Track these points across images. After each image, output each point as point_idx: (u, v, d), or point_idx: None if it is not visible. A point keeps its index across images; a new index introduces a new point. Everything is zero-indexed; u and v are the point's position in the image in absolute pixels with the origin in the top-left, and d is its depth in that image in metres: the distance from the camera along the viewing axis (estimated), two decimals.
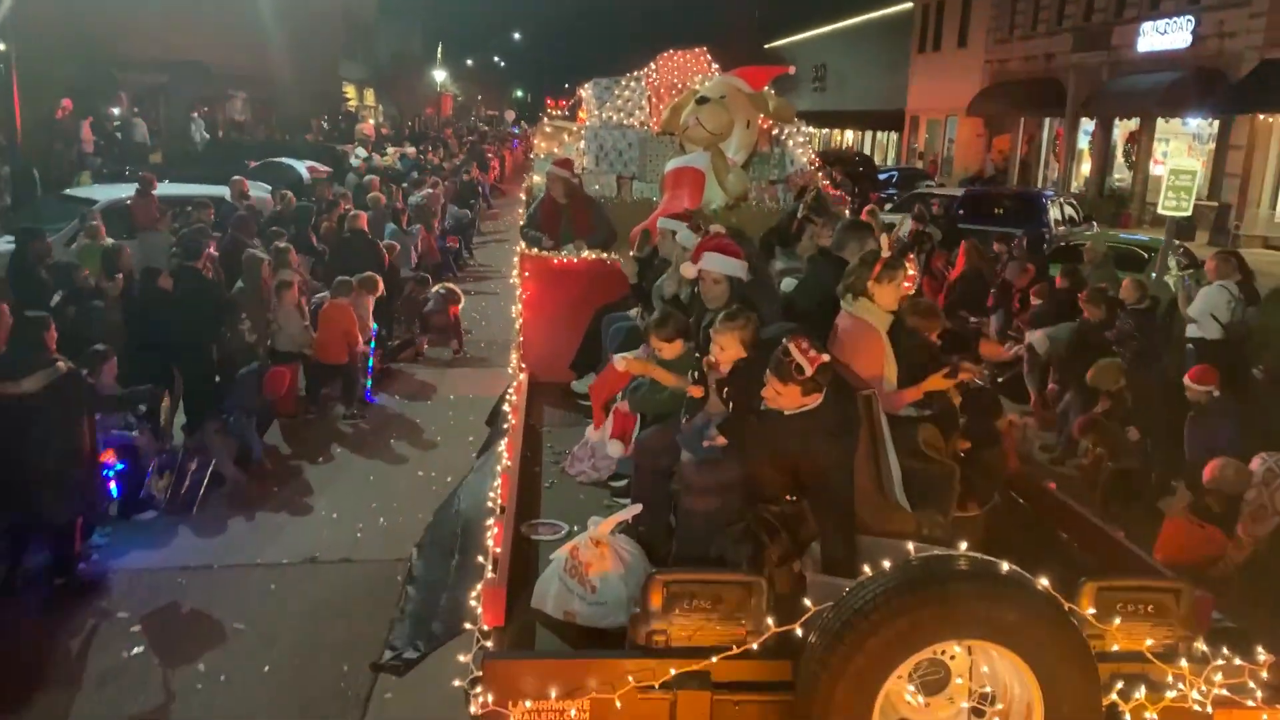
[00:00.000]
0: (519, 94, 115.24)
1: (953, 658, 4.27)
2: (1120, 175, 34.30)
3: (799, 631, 4.18)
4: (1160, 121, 31.56)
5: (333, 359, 11.66)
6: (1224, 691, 4.30)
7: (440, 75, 73.35)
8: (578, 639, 4.64)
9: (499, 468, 6.32)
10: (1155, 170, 30.50)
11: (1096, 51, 33.34)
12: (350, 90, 54.94)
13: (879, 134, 56.38)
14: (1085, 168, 36.11)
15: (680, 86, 10.22)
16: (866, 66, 54.79)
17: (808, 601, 4.21)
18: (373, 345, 12.40)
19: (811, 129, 12.17)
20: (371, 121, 45.56)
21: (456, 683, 4.38)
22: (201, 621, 7.36)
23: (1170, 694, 4.29)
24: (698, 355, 5.57)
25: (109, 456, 8.58)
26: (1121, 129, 34.20)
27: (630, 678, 4.16)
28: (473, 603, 4.85)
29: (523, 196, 11.03)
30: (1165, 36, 29.95)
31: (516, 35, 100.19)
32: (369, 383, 12.30)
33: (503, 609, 4.53)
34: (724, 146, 9.02)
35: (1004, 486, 6.01)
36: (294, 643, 7.07)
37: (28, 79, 21.46)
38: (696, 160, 8.82)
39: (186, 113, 34.80)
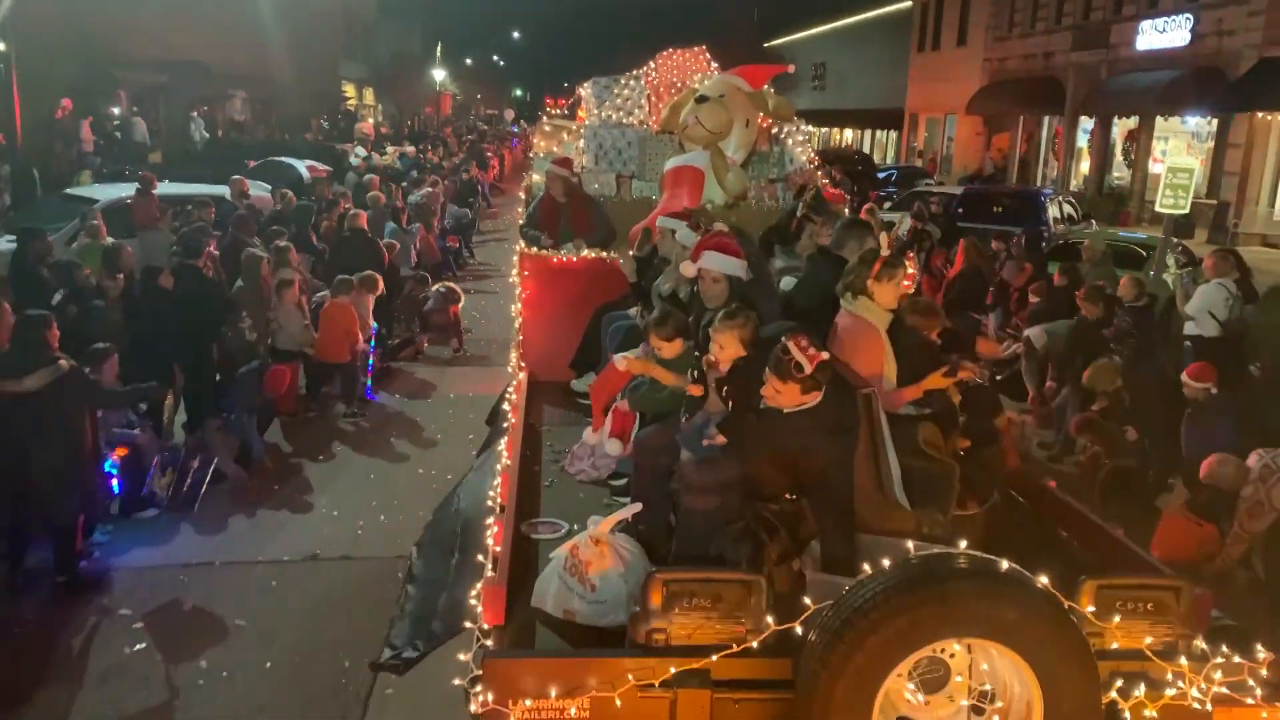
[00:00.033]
0: (518, 93, 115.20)
1: (952, 656, 4.27)
2: (1119, 173, 34.31)
3: (799, 630, 4.18)
4: (1159, 120, 31.56)
5: (334, 358, 11.67)
6: (1223, 689, 4.30)
7: (440, 74, 73.31)
8: (578, 638, 4.64)
9: (499, 466, 6.32)
10: (1154, 168, 30.51)
11: (1095, 50, 33.34)
12: (350, 89, 54.97)
13: (878, 132, 56.38)
14: (1084, 166, 36.13)
15: (679, 85, 10.22)
16: (866, 65, 54.79)
17: (807, 600, 4.22)
18: (373, 344, 12.41)
19: (811, 128, 12.17)
20: (371, 121, 45.55)
21: (456, 681, 4.39)
22: (203, 618, 7.37)
23: (1170, 692, 4.29)
24: (697, 354, 5.57)
25: (110, 455, 8.60)
26: (1120, 127, 34.20)
27: (630, 676, 4.17)
28: (473, 601, 4.85)
29: (522, 195, 11.03)
30: (1164, 35, 29.96)
31: (516, 34, 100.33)
32: (369, 381, 12.31)
33: (503, 608, 4.53)
34: (723, 145, 9.02)
35: (1003, 485, 6.02)
36: (295, 639, 7.09)
37: (28, 79, 21.47)
38: (696, 159, 8.83)
39: (186, 112, 34.80)
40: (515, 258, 9.10)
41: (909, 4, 48.16)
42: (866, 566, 4.16)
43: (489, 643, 4.41)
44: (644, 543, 5.15)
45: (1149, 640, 4.40)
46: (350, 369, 11.78)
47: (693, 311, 6.11)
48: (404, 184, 22.81)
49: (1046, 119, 37.92)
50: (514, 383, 8.21)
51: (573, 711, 4.17)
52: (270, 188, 18.26)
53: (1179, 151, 30.09)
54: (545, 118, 13.66)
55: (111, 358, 8.60)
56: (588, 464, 6.53)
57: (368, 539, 8.66)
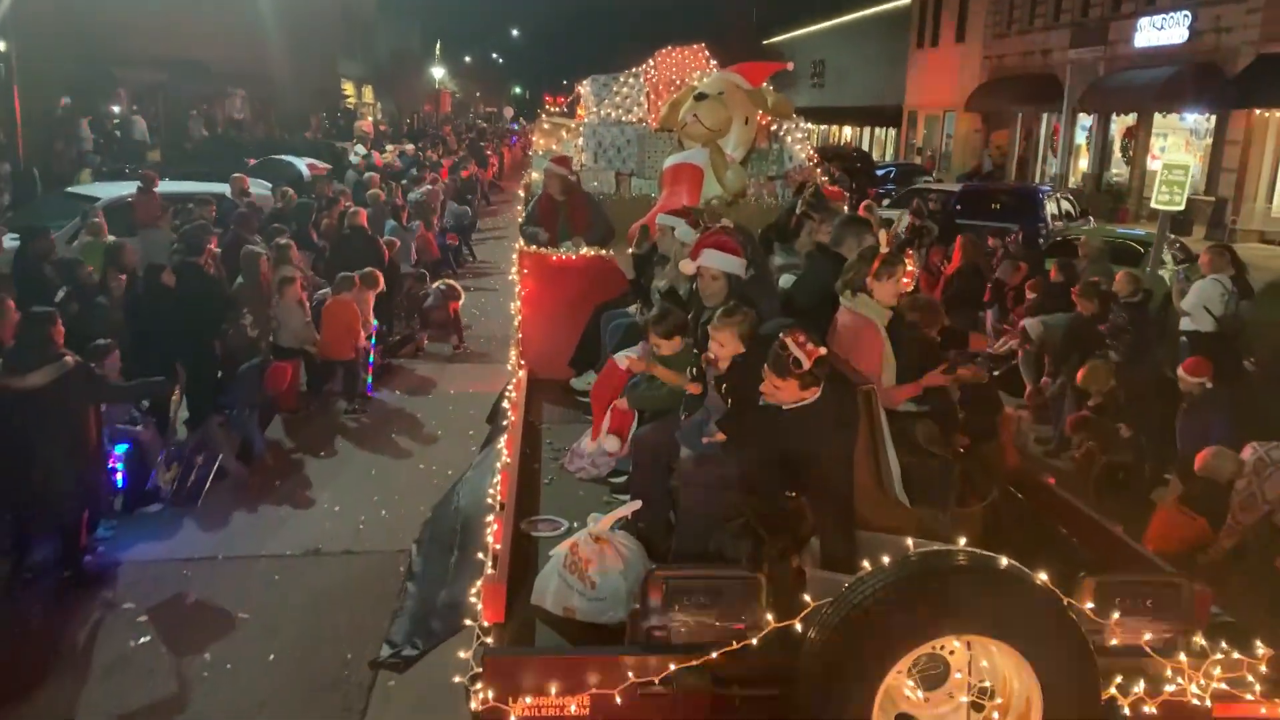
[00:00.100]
0: (517, 91, 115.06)
1: (952, 653, 4.28)
2: (1118, 170, 34.27)
3: (799, 627, 4.19)
4: (1158, 117, 31.52)
5: (337, 354, 11.72)
6: (1223, 686, 4.31)
7: (439, 72, 73.32)
8: (577, 635, 4.65)
9: (498, 464, 6.33)
10: (1152, 165, 30.44)
11: (1094, 46, 33.29)
12: (349, 87, 54.92)
13: (877, 130, 56.30)
14: (1083, 163, 36.09)
15: (678, 83, 10.23)
16: (865, 62, 54.71)
17: (807, 597, 4.23)
18: (373, 341, 12.43)
19: (810, 125, 12.18)
20: (370, 119, 45.52)
21: (457, 679, 4.40)
22: (206, 612, 7.40)
23: (1169, 688, 4.30)
24: (696, 351, 5.58)
25: (113, 451, 8.63)
26: (1119, 124, 34.17)
27: (630, 674, 4.18)
28: (472, 599, 4.86)
29: (521, 194, 11.04)
30: (1162, 32, 29.91)
31: (515, 32, 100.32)
32: (370, 378, 12.32)
33: (502, 605, 4.54)
34: (722, 143, 9.03)
35: (1003, 481, 6.02)
36: (297, 633, 7.11)
37: (28, 77, 21.48)
38: (695, 156, 8.84)
39: (186, 110, 34.77)
40: (515, 255, 9.10)
41: (908, 1, 48.12)
42: (866, 564, 4.17)
43: (489, 640, 4.41)
44: (644, 540, 5.15)
45: (1148, 637, 4.42)
46: (352, 365, 11.82)
47: (692, 309, 6.11)
48: (404, 182, 22.81)
49: (1045, 116, 37.85)
50: (513, 381, 8.21)
51: (573, 709, 4.18)
52: (270, 186, 18.26)
53: (1178, 148, 30.12)
54: (544, 115, 13.64)
55: (113, 354, 8.61)
56: (587, 462, 6.53)
57: (369, 534, 8.67)
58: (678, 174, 8.76)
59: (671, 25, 59.25)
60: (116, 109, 31.17)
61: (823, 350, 4.63)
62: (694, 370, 5.43)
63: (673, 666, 4.18)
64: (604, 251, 8.45)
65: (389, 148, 31.91)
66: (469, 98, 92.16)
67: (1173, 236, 15.96)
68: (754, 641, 4.23)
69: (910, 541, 4.43)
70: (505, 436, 6.75)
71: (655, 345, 5.79)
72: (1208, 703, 4.29)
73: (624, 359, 6.04)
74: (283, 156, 23.48)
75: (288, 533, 8.68)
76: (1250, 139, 27.20)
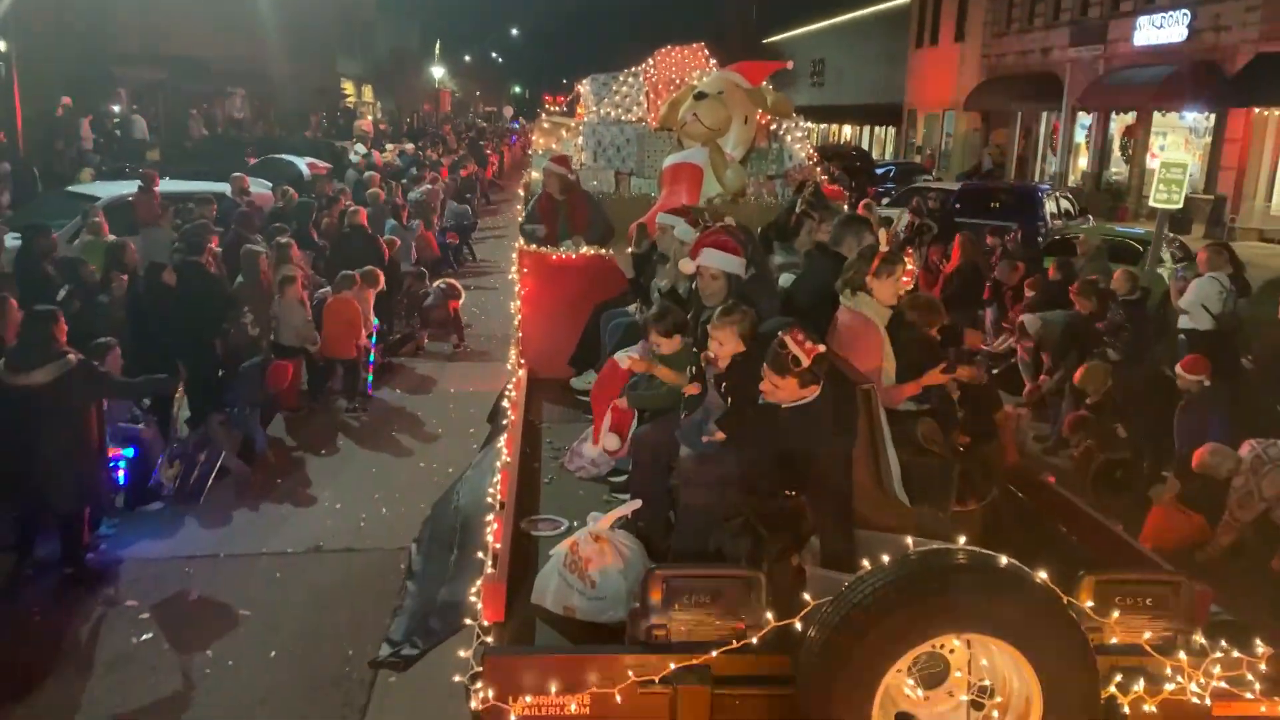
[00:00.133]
0: (517, 90, 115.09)
1: (952, 651, 4.28)
2: (1117, 169, 34.26)
3: (798, 626, 4.18)
4: (1157, 115, 31.52)
5: (339, 353, 11.75)
6: (1222, 684, 4.31)
7: (438, 71, 73.32)
8: (577, 634, 4.65)
9: (498, 463, 6.33)
10: (1152, 164, 30.41)
11: (1093, 45, 33.27)
12: (348, 86, 54.95)
13: (877, 129, 56.31)
14: (1082, 161, 36.09)
15: (678, 82, 10.22)
16: (864, 61, 54.72)
17: (807, 596, 4.22)
18: (374, 339, 12.44)
19: (809, 124, 12.20)
20: (370, 118, 45.53)
21: (457, 678, 4.40)
22: (208, 609, 7.43)
23: (1169, 687, 4.30)
24: (695, 350, 5.58)
25: (115, 449, 8.65)
26: (1118, 122, 34.17)
27: (630, 673, 4.18)
28: (473, 598, 4.86)
29: (520, 193, 11.04)
30: (1161, 30, 29.90)
31: (514, 31, 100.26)
32: (370, 376, 12.34)
33: (503, 604, 4.54)
34: (722, 142, 9.03)
35: (1002, 480, 6.03)
36: (299, 629, 7.14)
37: (28, 77, 21.48)
38: (694, 156, 8.84)
39: (185, 109, 34.78)
40: (514, 254, 9.11)
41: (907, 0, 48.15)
42: (866, 562, 4.17)
43: (489, 639, 4.42)
44: (643, 539, 5.16)
45: (1148, 635, 4.41)
46: (353, 364, 11.85)
47: (691, 308, 6.11)
48: (404, 181, 22.81)
49: (1044, 114, 37.85)
50: (514, 380, 8.21)
51: (573, 708, 4.18)
52: (270, 185, 18.26)
53: (1177, 147, 30.10)
54: (544, 115, 13.65)
55: (114, 351, 8.62)
56: (587, 461, 6.53)
57: (370, 531, 8.70)
58: (677, 173, 8.76)
59: (671, 24, 59.38)
60: (116, 108, 31.21)
61: (821, 348, 4.63)
62: (693, 369, 5.43)
63: (673, 665, 4.19)
64: (603, 251, 8.45)
65: (389, 147, 31.94)
66: (469, 97, 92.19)
67: (1171, 235, 15.95)
68: (754, 640, 4.23)
69: (910, 540, 4.43)
70: (505, 436, 6.75)
71: (655, 344, 5.80)
72: (1207, 701, 4.29)
73: (625, 359, 6.04)
74: (283, 156, 23.47)
75: (289, 530, 8.71)
76: (1249, 137, 27.21)
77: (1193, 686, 4.30)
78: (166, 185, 16.01)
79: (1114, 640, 4.41)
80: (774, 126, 9.98)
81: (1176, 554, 6.97)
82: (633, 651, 4.28)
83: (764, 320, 5.31)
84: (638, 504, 5.13)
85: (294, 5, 38.38)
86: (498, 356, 12.88)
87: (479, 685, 4.16)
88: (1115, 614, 4.39)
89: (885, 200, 23.27)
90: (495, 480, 6.22)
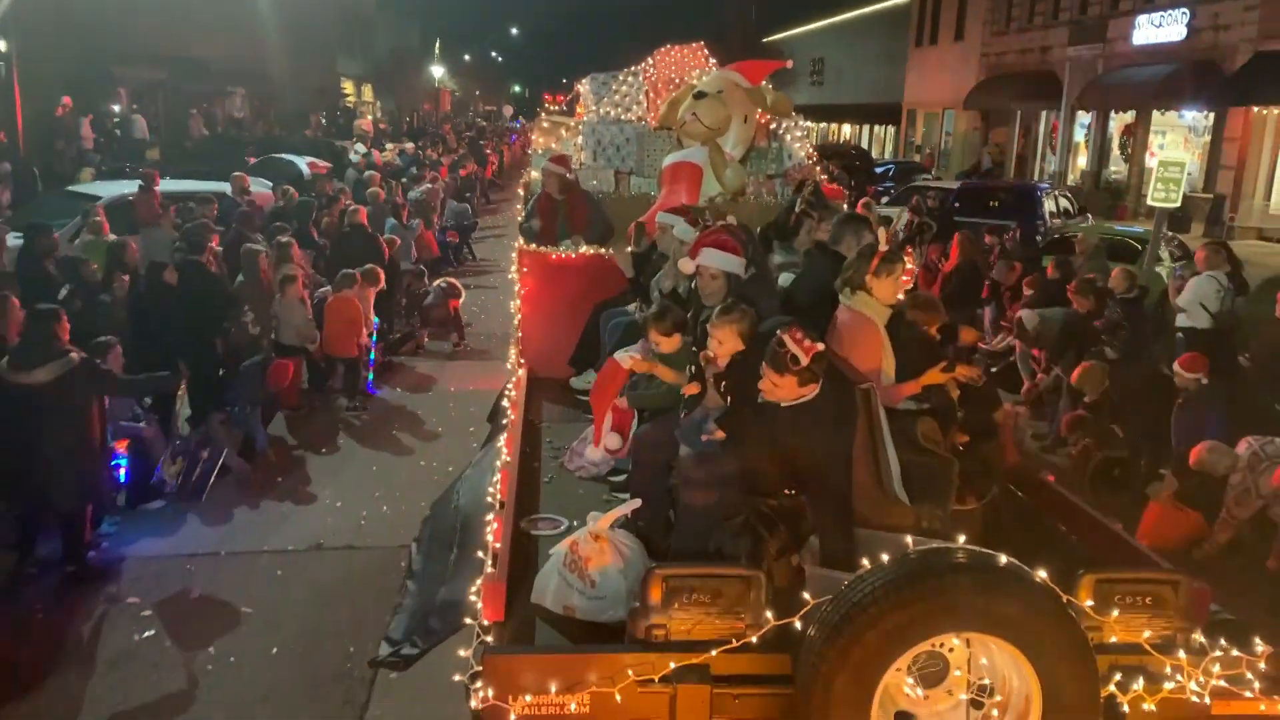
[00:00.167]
0: (517, 89, 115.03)
1: (951, 650, 4.28)
2: (1116, 168, 34.27)
3: (798, 625, 4.19)
4: (1156, 114, 31.52)
5: (340, 352, 11.78)
6: (1222, 683, 4.32)
7: (438, 71, 73.28)
8: (577, 634, 4.66)
9: (498, 463, 6.33)
10: (1151, 163, 30.42)
11: (1092, 44, 33.26)
12: (348, 86, 54.92)
13: (876, 128, 56.30)
14: (1082, 160, 36.10)
15: (678, 81, 10.23)
16: (864, 60, 54.72)
17: (806, 595, 4.23)
18: (374, 338, 12.45)
19: (809, 123, 12.20)
20: (370, 117, 45.52)
21: (457, 677, 4.41)
22: (209, 607, 7.45)
23: (1168, 685, 4.31)
24: (695, 349, 5.58)
25: (117, 448, 8.67)
26: (1117, 121, 34.17)
27: (630, 672, 4.18)
28: (472, 597, 4.87)
29: (520, 192, 11.04)
30: (1160, 29, 29.91)
31: (514, 31, 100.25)
32: (370, 375, 12.36)
33: (502, 604, 4.55)
34: (721, 141, 9.03)
35: (1002, 479, 6.03)
36: (300, 627, 7.16)
37: (28, 77, 21.48)
38: (694, 155, 8.84)
39: (185, 109, 34.77)
40: (514, 254, 9.11)
41: None
42: (865, 561, 4.17)
43: (489, 639, 4.42)
44: (643, 538, 5.16)
45: (1147, 634, 4.42)
46: (353, 363, 11.87)
47: (691, 308, 6.12)
48: (404, 180, 22.82)
49: (1044, 113, 37.83)
50: (513, 379, 8.22)
51: (572, 707, 4.18)
52: (271, 184, 18.27)
53: (1176, 146, 30.10)
54: (544, 114, 13.65)
55: (115, 350, 8.63)
56: (587, 460, 6.54)
57: (371, 529, 8.72)
58: (677, 172, 8.76)
59: (671, 24, 59.41)
60: (116, 108, 31.20)
61: (820, 347, 4.62)
62: (693, 368, 5.43)
63: (672, 665, 4.19)
64: (603, 250, 8.45)
65: (389, 146, 31.94)
66: (468, 96, 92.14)
67: (1170, 233, 15.96)
68: (754, 639, 4.24)
69: (909, 539, 4.43)
70: (505, 435, 6.75)
71: (655, 343, 5.80)
72: (1207, 700, 4.29)
73: (625, 358, 6.04)
74: (283, 155, 23.47)
75: (290, 528, 8.73)
76: (1248, 136, 27.21)
77: (1192, 685, 4.30)
78: (167, 185, 16.01)
79: (1113, 639, 4.41)
80: (773, 126, 9.98)
81: (1174, 552, 7.00)
82: (632, 651, 4.29)
83: (763, 319, 5.31)
84: (637, 503, 5.13)
85: (294, 5, 38.37)
86: (498, 355, 12.88)
87: (479, 684, 4.17)
88: (1115, 612, 4.39)
89: (884, 199, 23.28)
90: (495, 479, 6.22)
